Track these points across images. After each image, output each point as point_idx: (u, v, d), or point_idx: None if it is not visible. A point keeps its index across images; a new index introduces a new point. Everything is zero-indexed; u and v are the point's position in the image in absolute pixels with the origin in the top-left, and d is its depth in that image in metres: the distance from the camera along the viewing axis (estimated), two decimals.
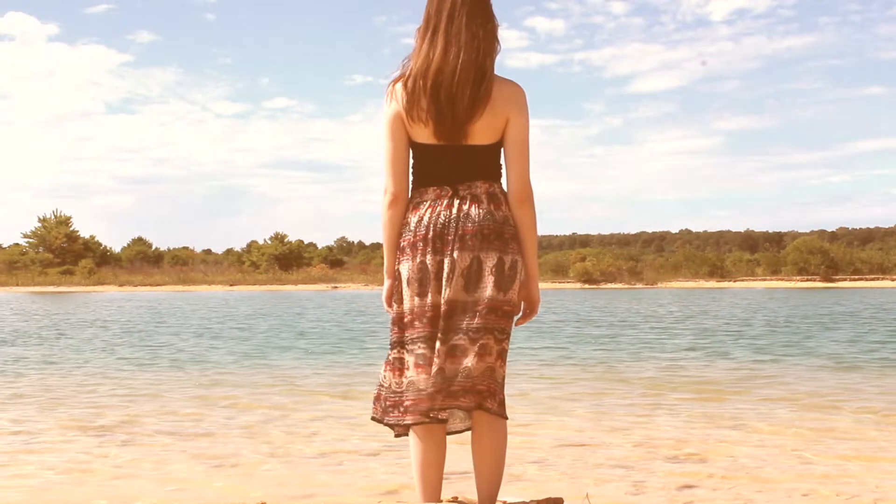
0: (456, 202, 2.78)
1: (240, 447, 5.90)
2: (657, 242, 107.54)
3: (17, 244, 65.03)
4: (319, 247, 73.62)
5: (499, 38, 2.82)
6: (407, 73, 2.79)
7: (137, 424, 6.80)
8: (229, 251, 72.25)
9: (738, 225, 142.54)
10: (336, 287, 55.17)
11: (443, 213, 2.77)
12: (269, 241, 68.16)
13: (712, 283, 54.47)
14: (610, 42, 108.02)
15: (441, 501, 2.86)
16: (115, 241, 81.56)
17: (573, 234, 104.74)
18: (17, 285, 55.23)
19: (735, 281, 55.67)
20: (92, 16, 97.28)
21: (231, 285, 56.35)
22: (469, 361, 2.73)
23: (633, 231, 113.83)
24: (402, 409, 2.79)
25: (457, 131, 2.75)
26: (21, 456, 5.69)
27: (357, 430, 6.40)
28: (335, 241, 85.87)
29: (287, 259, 65.68)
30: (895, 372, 10.15)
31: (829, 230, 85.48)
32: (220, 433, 6.42)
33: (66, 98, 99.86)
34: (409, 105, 2.76)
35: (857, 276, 54.49)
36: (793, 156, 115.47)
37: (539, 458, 5.48)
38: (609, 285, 54.21)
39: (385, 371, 2.85)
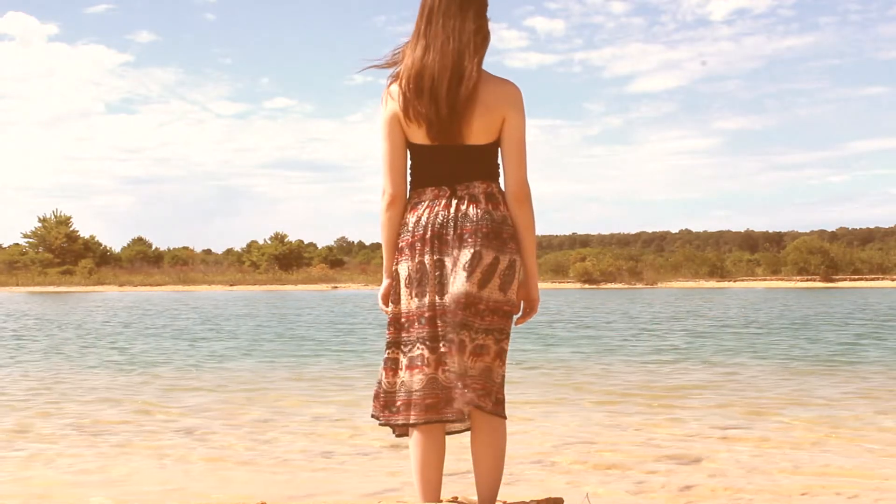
0: (454, 202, 2.78)
1: (239, 447, 5.91)
2: (657, 242, 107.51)
3: (17, 244, 65.05)
4: (319, 247, 73.66)
5: (487, 35, 2.80)
6: (400, 75, 2.79)
7: (134, 426, 6.80)
8: (229, 251, 72.28)
9: (738, 225, 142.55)
10: (336, 287, 55.17)
11: (441, 213, 2.77)
12: (269, 241, 68.15)
13: (712, 283, 54.46)
14: (610, 42, 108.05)
15: (441, 501, 2.86)
16: (115, 241, 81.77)
17: (573, 234, 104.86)
18: (17, 285, 55.24)
19: (735, 281, 55.66)
20: (92, 16, 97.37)
21: (231, 285, 56.35)
22: (468, 361, 2.73)
23: (633, 231, 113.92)
24: (394, 409, 2.80)
25: (448, 132, 2.75)
26: (16, 457, 5.69)
27: (357, 430, 6.41)
28: (335, 241, 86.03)
29: (287, 259, 65.67)
30: (889, 372, 10.15)
31: (829, 230, 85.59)
32: (220, 434, 6.42)
33: (66, 98, 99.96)
34: (405, 106, 2.76)
35: (857, 276, 54.48)
36: (793, 156, 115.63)
37: (539, 458, 5.49)
38: (609, 285, 54.21)
39: (382, 370, 2.86)
